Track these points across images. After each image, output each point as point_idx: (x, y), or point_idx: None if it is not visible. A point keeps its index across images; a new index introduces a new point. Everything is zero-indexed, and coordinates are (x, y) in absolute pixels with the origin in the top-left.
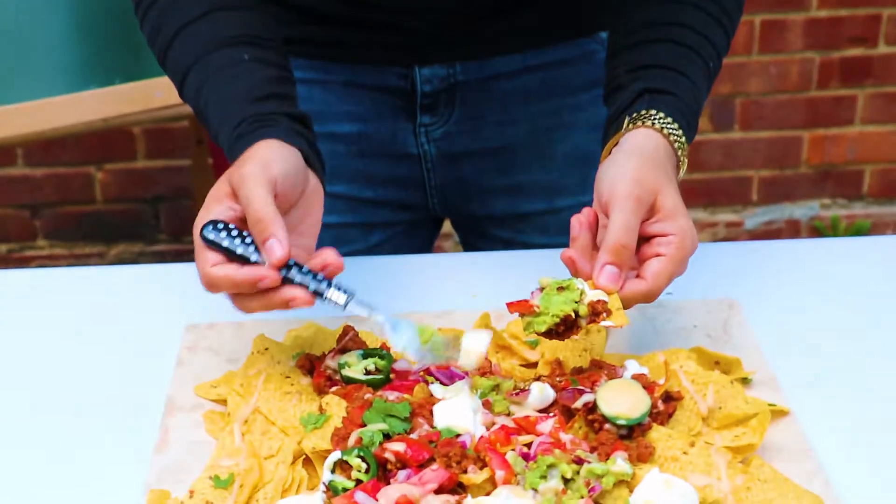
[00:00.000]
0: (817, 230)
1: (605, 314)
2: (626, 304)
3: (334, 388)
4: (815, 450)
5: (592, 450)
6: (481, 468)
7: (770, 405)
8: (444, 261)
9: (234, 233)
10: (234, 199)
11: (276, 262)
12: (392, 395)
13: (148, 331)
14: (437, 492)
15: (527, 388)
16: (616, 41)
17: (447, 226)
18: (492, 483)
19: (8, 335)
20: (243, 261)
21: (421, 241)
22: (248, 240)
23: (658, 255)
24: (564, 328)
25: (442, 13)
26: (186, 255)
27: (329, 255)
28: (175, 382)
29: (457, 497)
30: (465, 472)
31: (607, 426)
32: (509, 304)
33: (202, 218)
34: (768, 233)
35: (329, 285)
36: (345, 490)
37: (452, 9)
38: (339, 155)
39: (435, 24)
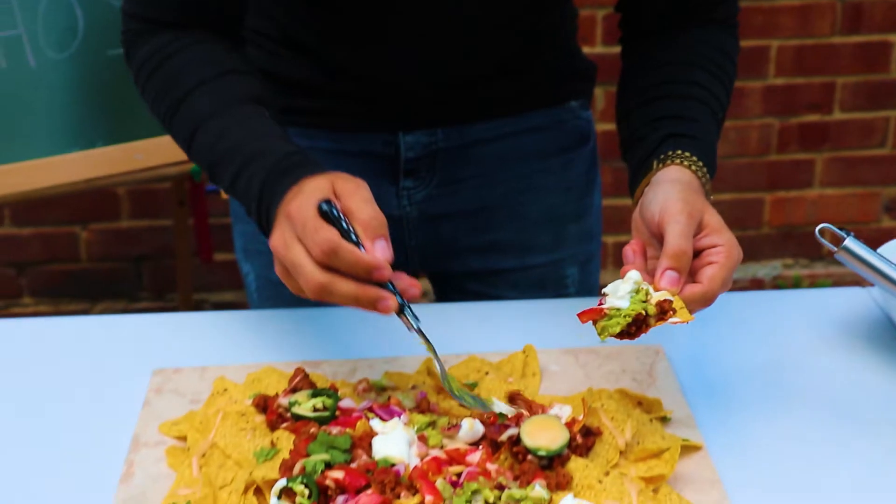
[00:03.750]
0: (780, 290)
1: (671, 312)
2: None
3: (285, 425)
4: (725, 481)
5: (516, 478)
6: (414, 495)
7: (684, 440)
8: (423, 311)
9: (344, 220)
10: (335, 197)
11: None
12: (335, 430)
13: (118, 376)
14: None
15: (458, 423)
16: (627, 103)
17: None
18: None
19: None
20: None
21: None
22: (352, 234)
23: (711, 264)
24: (636, 328)
25: (425, 87)
26: (167, 311)
27: (406, 281)
28: (141, 421)
29: None
30: (398, 497)
31: (530, 457)
32: (580, 314)
33: (307, 200)
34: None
35: (406, 305)
36: None
37: (435, 82)
38: None
39: (418, 96)
